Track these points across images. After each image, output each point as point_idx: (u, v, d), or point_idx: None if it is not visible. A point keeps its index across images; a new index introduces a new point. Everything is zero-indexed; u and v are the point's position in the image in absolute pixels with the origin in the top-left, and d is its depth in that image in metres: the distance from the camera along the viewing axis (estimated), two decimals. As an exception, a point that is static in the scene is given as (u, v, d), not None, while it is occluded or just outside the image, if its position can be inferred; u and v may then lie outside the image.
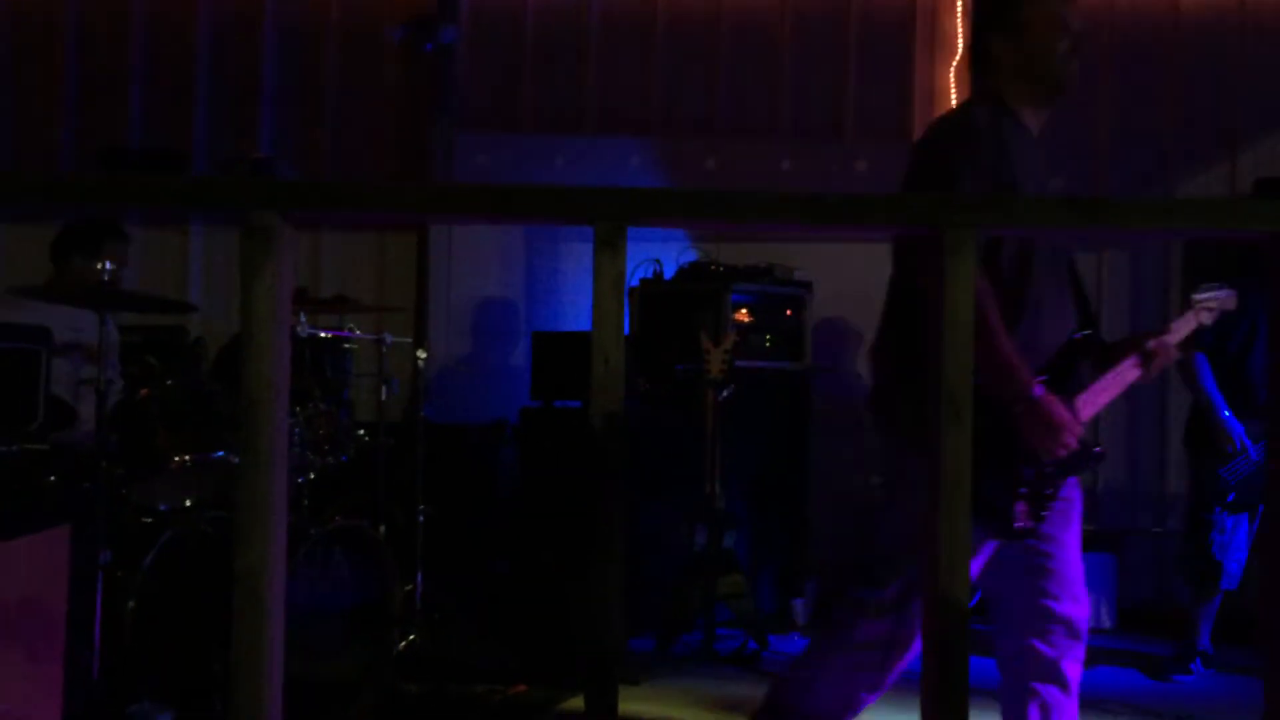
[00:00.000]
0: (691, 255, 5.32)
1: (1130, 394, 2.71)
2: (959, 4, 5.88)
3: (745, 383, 4.74)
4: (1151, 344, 2.39)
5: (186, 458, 3.52)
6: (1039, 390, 2.27)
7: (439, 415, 5.20)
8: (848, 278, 5.60)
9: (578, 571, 4.61)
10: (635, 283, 5.19)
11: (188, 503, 3.64)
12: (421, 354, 4.52)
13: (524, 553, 4.84)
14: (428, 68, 5.71)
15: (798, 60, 5.91)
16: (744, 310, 5.13)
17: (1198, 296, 2.60)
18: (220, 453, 3.57)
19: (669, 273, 5.23)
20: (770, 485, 5.10)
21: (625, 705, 3.72)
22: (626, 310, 5.66)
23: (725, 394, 4.54)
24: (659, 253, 5.19)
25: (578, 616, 4.47)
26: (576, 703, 3.86)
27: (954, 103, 5.92)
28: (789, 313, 5.24)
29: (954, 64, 5.92)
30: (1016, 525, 2.30)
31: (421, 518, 4.33)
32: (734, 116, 5.90)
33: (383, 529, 4.08)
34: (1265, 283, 1.43)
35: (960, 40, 5.89)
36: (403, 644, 4.07)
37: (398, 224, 5.53)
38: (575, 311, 5.68)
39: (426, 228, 5.63)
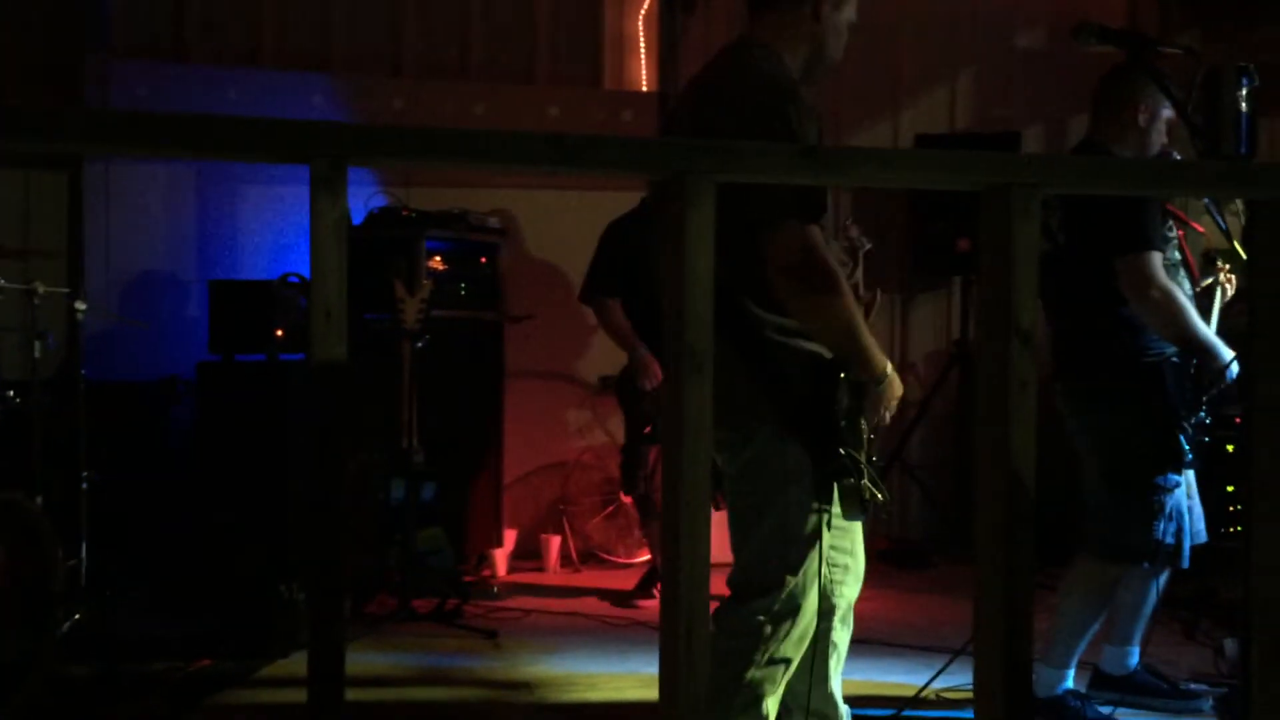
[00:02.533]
0: (381, 200, 5.10)
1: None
2: (647, -48, 5.93)
3: (440, 332, 4.61)
4: (865, 294, 2.41)
5: None
6: (886, 365, 2.29)
7: (102, 373, 4.74)
8: (544, 224, 5.58)
9: (264, 534, 4.34)
10: (321, 228, 4.91)
11: None
12: (80, 305, 4.09)
13: (204, 517, 4.51)
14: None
15: (487, 2, 5.77)
16: (438, 258, 4.98)
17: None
18: None
19: (357, 219, 4.99)
20: (466, 436, 5.01)
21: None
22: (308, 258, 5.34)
23: (420, 345, 4.39)
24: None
25: (262, 580, 4.21)
26: (270, 671, 3.65)
27: (643, 51, 5.98)
28: (483, 260, 5.14)
29: (642, 13, 5.97)
30: (871, 496, 2.28)
31: (85, 485, 3.93)
32: (423, 57, 5.70)
33: (39, 499, 3.68)
34: (979, 230, 1.48)
35: (647, -10, 5.95)
36: (67, 624, 3.70)
37: (47, 160, 4.96)
38: (256, 259, 5.32)
39: (80, 165, 5.09)
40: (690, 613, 1.41)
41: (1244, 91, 1.51)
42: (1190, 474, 3.12)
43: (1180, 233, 3.29)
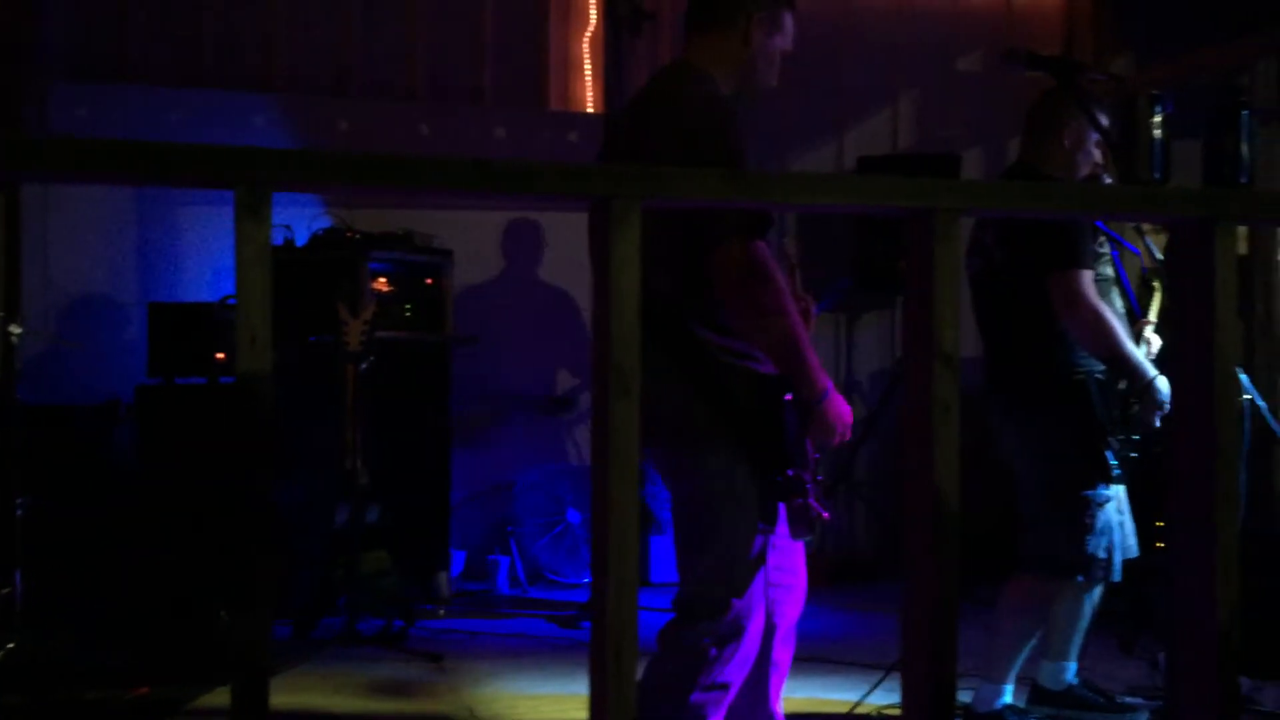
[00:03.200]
0: (325, 221, 5.08)
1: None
2: (591, -25, 5.97)
3: (385, 354, 4.59)
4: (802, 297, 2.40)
5: None
6: (829, 384, 2.29)
7: (38, 396, 4.67)
8: (492, 245, 5.58)
9: (205, 560, 4.29)
10: (264, 249, 4.87)
11: None
12: (15, 329, 4.03)
13: (144, 542, 4.45)
14: (19, 7, 5.08)
15: (433, 22, 5.78)
16: (382, 279, 4.97)
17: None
18: None
19: (301, 240, 4.96)
20: (412, 458, 4.98)
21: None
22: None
23: (365, 366, 4.37)
24: (289, 218, 4.91)
25: (205, 607, 4.16)
26: (207, 700, 3.60)
27: (588, 73, 6.01)
28: (429, 281, 5.12)
29: (588, 35, 6.00)
30: (817, 515, 2.29)
31: (20, 510, 3.87)
32: (368, 78, 5.69)
33: (-28, 526, 3.62)
34: (906, 255, 1.50)
35: (594, 10, 5.98)
36: (1, 653, 3.63)
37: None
38: (198, 281, 5.27)
39: (17, 187, 5.02)
40: (619, 635, 1.42)
41: (1158, 118, 1.56)
42: (1121, 489, 3.18)
43: (1115, 252, 3.37)
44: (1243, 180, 1.62)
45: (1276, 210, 1.74)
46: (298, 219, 4.98)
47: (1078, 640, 3.34)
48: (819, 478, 2.34)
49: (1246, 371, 5.64)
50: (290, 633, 4.30)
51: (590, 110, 5.98)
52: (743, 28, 2.43)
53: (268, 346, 1.31)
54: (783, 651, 2.45)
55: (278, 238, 4.90)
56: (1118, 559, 3.14)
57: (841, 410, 2.31)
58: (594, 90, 6.01)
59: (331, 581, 4.30)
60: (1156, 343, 3.31)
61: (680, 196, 1.46)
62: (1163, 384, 3.06)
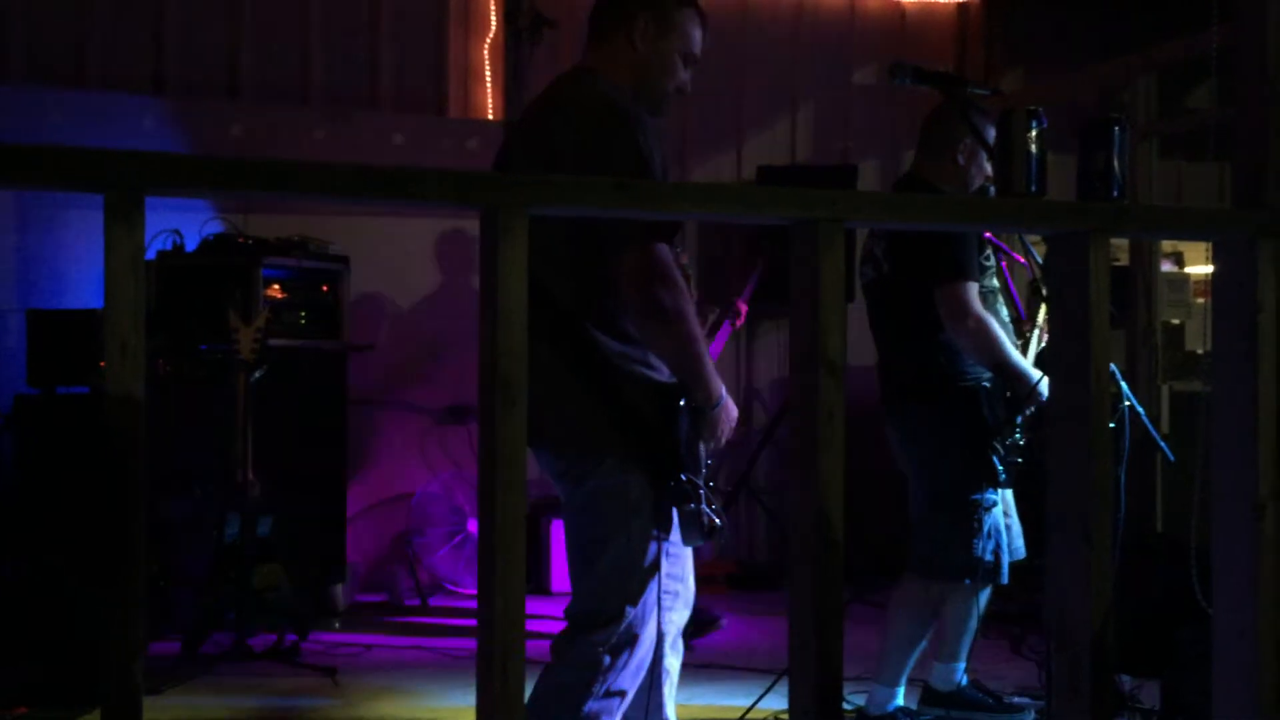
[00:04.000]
0: (217, 226, 4.96)
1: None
2: (492, -19, 5.94)
3: (279, 362, 4.49)
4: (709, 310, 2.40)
5: None
6: (723, 389, 2.31)
7: (-92, 407, 4.48)
8: (385, 253, 5.50)
9: (89, 574, 4.15)
10: (152, 255, 4.75)
11: None
12: (-115, 336, 3.86)
13: (23, 557, 4.29)
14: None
15: (328, 26, 5.69)
16: (276, 286, 4.87)
17: None
18: None
19: (191, 245, 4.84)
20: (307, 468, 4.89)
21: (145, 715, 3.42)
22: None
23: (257, 375, 4.28)
24: (178, 223, 4.78)
25: (89, 624, 4.03)
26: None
27: (489, 80, 5.98)
28: (325, 289, 5.04)
29: (488, 42, 5.97)
30: (711, 524, 2.29)
31: (-111, 527, 3.71)
32: (262, 80, 5.58)
33: None
34: (792, 265, 1.52)
35: (494, 17, 5.95)
36: None
37: None
38: (80, 288, 5.10)
39: (-114, 188, 4.81)
40: (505, 648, 1.41)
41: (1034, 133, 1.60)
42: (1008, 494, 3.26)
43: (1003, 262, 3.45)
44: (1115, 194, 1.67)
45: (1145, 223, 1.81)
46: (188, 224, 4.85)
47: (967, 642, 3.41)
48: (711, 484, 2.35)
49: (1128, 381, 5.84)
50: (181, 648, 4.18)
51: (491, 118, 5.95)
52: (629, 31, 2.39)
53: (139, 355, 1.27)
54: (672, 659, 2.46)
55: (166, 242, 4.77)
56: (1005, 561, 3.21)
57: (731, 414, 2.34)
58: (494, 98, 5.97)
59: (222, 596, 4.19)
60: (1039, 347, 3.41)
61: (568, 205, 1.46)
62: (1043, 384, 3.14)
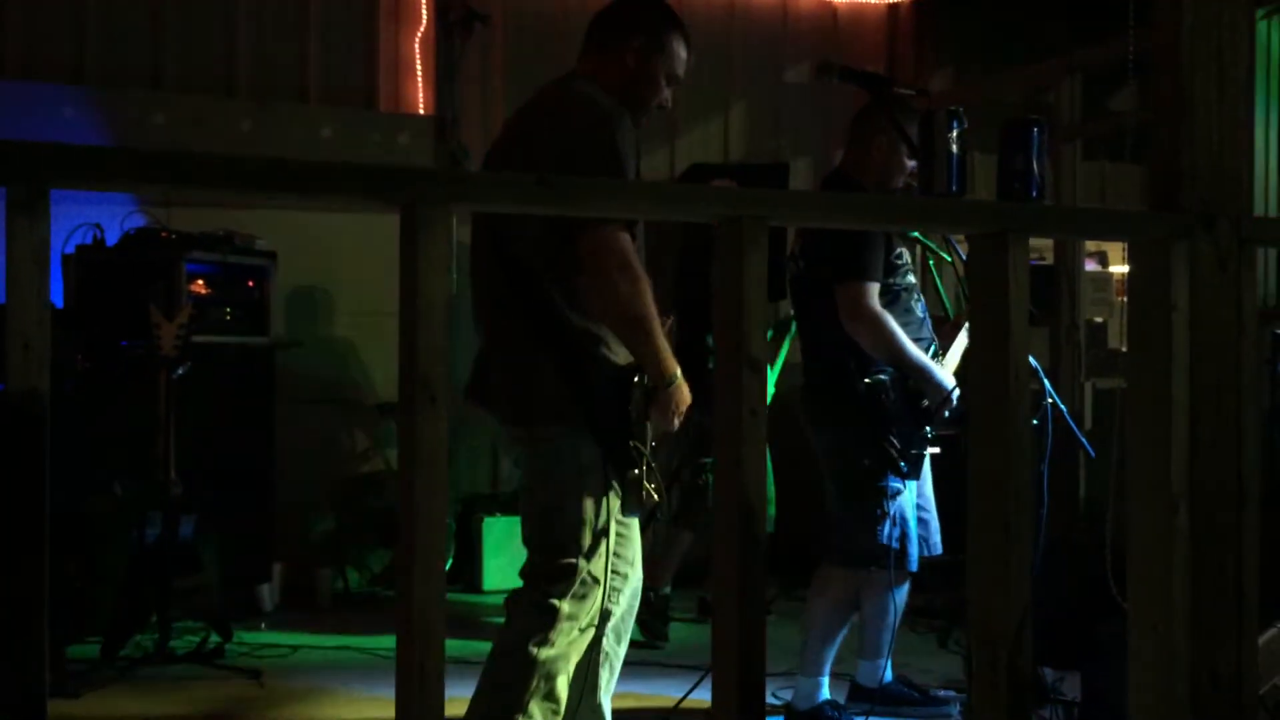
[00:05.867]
0: (139, 220, 4.86)
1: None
2: (423, -25, 5.88)
3: (204, 359, 4.41)
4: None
5: None
6: (678, 370, 2.42)
7: None
8: (313, 247, 5.43)
9: None
10: (70, 249, 4.64)
11: None
12: None
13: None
14: None
15: (255, 15, 5.60)
16: (201, 281, 4.78)
17: None
18: None
19: (111, 239, 4.73)
20: (233, 466, 4.81)
21: (63, 723, 3.35)
22: (59, 281, 5.00)
23: (180, 372, 4.19)
24: (99, 216, 4.67)
25: None
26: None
27: (420, 74, 5.92)
28: (251, 284, 4.96)
29: (419, 35, 5.91)
30: (643, 497, 2.41)
31: None
32: (186, 70, 5.47)
33: None
34: (716, 262, 1.52)
35: (424, 10, 5.90)
36: None
37: None
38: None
39: None
40: (424, 649, 1.39)
41: (954, 134, 1.62)
42: (927, 488, 3.32)
43: (930, 260, 3.49)
44: (1034, 195, 1.70)
45: (1062, 224, 1.83)
46: (109, 217, 4.74)
47: (889, 638, 3.45)
48: (652, 465, 2.45)
49: (1051, 378, 5.94)
50: (100, 651, 4.09)
51: (422, 112, 5.89)
52: (627, 50, 2.56)
53: (44, 353, 1.24)
54: (614, 645, 2.51)
55: (86, 236, 4.66)
56: (912, 550, 3.27)
57: (684, 397, 2.44)
58: (425, 92, 5.92)
59: (143, 597, 4.11)
60: (964, 342, 3.47)
61: (489, 202, 1.44)
62: (947, 379, 3.24)
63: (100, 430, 4.41)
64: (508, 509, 5.35)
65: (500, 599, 5.38)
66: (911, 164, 3.27)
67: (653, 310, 2.38)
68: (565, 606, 2.40)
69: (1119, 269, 8.28)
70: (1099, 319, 8.21)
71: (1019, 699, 1.69)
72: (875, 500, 3.21)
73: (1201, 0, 1.81)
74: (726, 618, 1.55)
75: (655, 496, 2.42)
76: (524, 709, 2.37)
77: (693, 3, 6.34)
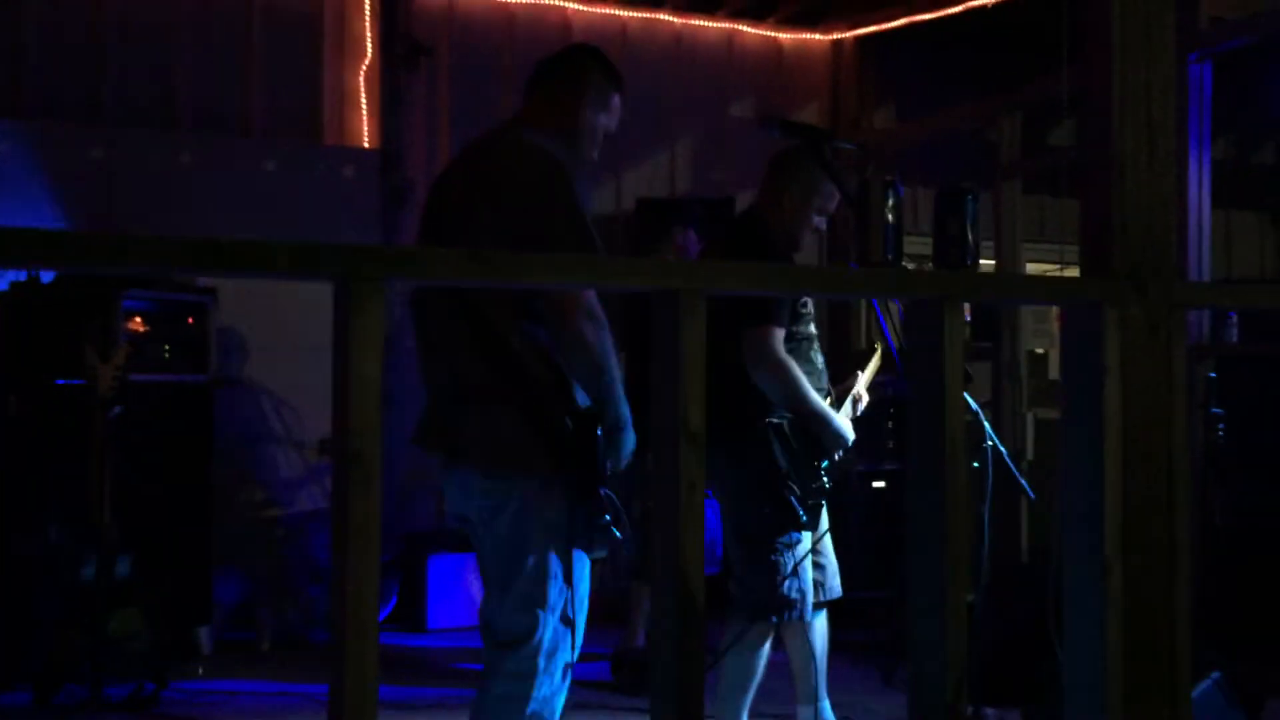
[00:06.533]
0: (75, 256, 4.77)
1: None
2: (367, 6, 5.86)
3: (141, 397, 4.34)
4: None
5: None
6: (629, 414, 2.46)
7: None
8: (253, 285, 5.36)
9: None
10: (4, 286, 4.55)
11: None
12: None
13: None
14: None
15: (195, 46, 5.54)
16: (138, 319, 4.71)
17: None
18: None
19: (47, 275, 4.65)
20: (170, 506, 4.72)
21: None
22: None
23: (116, 412, 4.12)
24: (34, 252, 4.58)
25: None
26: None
27: (364, 107, 5.89)
28: (190, 321, 4.89)
29: (363, 68, 5.88)
30: (621, 536, 2.46)
31: None
32: (125, 103, 5.40)
33: None
34: (651, 333, 1.52)
35: (369, 44, 5.87)
36: None
37: None
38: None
39: None
40: (355, 729, 1.37)
41: (891, 203, 1.64)
42: (824, 533, 3.32)
43: (880, 314, 3.50)
44: (968, 262, 1.72)
45: (997, 289, 1.85)
46: (44, 253, 4.66)
47: (820, 679, 3.44)
48: (617, 505, 2.48)
49: (993, 410, 6.01)
50: (31, 699, 3.99)
51: (367, 145, 5.86)
52: (575, 103, 2.60)
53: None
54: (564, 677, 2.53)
55: (20, 273, 4.57)
56: (808, 600, 3.27)
57: (631, 441, 2.49)
58: (370, 125, 5.89)
59: (76, 643, 4.02)
60: (864, 400, 3.54)
61: (422, 275, 1.43)
62: (844, 428, 3.25)
63: (33, 472, 4.31)
64: (453, 546, 5.30)
65: (447, 636, 5.34)
66: (819, 219, 3.32)
67: (613, 355, 2.44)
68: (541, 662, 2.43)
69: (1059, 299, 8.40)
70: (1039, 350, 8.33)
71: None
72: (774, 553, 3.20)
73: (1129, 62, 1.84)
74: (666, 688, 1.54)
75: (618, 535, 2.47)
76: None
77: (639, 37, 6.39)
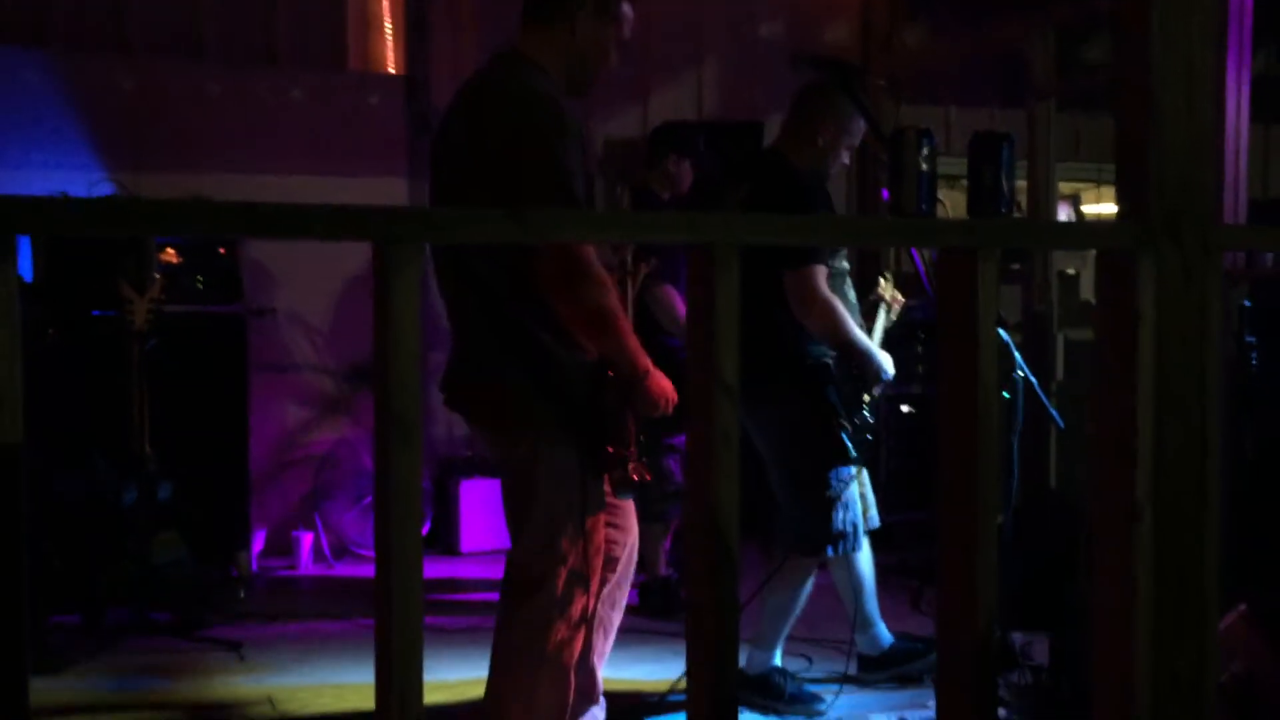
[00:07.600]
0: (107, 188, 4.80)
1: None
2: (390, -69, 5.78)
3: (176, 328, 4.40)
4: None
5: None
6: (649, 363, 2.46)
7: None
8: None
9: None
10: (39, 219, 4.58)
11: None
12: None
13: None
14: None
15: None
16: (171, 250, 4.74)
17: None
18: None
19: (80, 207, 4.67)
20: (207, 435, 4.81)
21: (44, 698, 3.36)
22: (29, 254, 4.93)
23: (152, 344, 4.18)
24: (66, 185, 4.61)
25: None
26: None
27: (389, 32, 5.83)
28: (222, 251, 4.92)
29: (388, -8, 5.82)
30: (635, 479, 2.49)
31: None
32: (153, 33, 5.37)
33: None
34: (688, 287, 1.53)
35: (393, -31, 5.80)
36: None
37: None
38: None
39: None
40: (403, 691, 1.41)
41: (924, 153, 1.63)
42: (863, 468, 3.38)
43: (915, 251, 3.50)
44: (1003, 210, 1.70)
45: (1030, 237, 1.85)
46: (76, 185, 4.69)
47: (873, 604, 3.51)
48: (642, 438, 2.53)
49: (1026, 330, 5.97)
50: (81, 621, 4.11)
51: (392, 71, 5.82)
52: (571, 20, 2.48)
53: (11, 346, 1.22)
54: (608, 610, 2.58)
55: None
56: (861, 532, 3.34)
57: (664, 385, 2.47)
58: (395, 50, 5.84)
59: (120, 568, 4.13)
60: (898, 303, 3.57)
61: (459, 238, 1.44)
62: (886, 362, 3.26)
63: (73, 402, 4.39)
64: (485, 471, 5.38)
65: (479, 560, 5.42)
66: (846, 154, 3.29)
67: (618, 310, 2.41)
68: (555, 611, 2.46)
69: (1091, 209, 8.30)
70: (1071, 270, 8.24)
71: (983, 701, 1.73)
72: (825, 488, 3.24)
73: (1170, 11, 1.81)
74: (699, 641, 1.58)
75: (647, 476, 2.51)
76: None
77: (665, -43, 6.26)
